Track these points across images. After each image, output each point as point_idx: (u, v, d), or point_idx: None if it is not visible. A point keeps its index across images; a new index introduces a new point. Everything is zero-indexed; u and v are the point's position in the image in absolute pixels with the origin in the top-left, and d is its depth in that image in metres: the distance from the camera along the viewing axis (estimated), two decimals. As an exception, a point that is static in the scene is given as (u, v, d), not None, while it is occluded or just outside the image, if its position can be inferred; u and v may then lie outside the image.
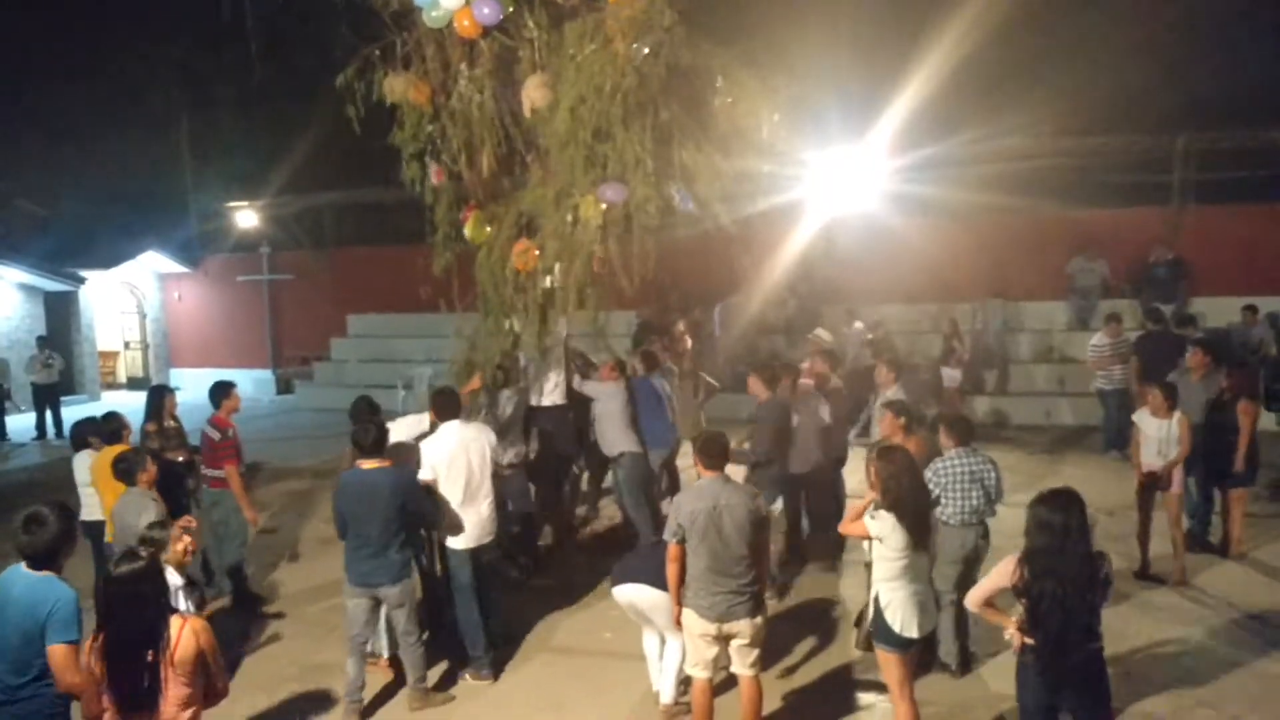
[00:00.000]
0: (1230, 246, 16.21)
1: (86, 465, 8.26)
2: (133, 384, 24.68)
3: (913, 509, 5.65)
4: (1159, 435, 8.68)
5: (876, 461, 5.77)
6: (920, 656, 6.07)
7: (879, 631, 5.73)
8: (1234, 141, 16.83)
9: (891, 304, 17.46)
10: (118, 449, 7.94)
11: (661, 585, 6.10)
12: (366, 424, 6.74)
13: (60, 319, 22.79)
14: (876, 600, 5.73)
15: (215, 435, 8.71)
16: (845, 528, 6.18)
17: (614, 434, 9.63)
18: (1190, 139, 16.80)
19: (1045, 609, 4.75)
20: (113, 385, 24.95)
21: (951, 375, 15.05)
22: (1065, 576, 4.73)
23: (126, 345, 25.71)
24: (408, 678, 6.89)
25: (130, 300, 25.23)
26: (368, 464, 6.60)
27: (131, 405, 11.44)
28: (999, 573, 5.02)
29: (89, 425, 8.64)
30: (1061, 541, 4.75)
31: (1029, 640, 4.87)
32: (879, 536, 5.64)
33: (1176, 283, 16.04)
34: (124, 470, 6.90)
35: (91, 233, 23.67)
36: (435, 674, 7.31)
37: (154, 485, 6.91)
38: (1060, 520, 4.77)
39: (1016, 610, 4.97)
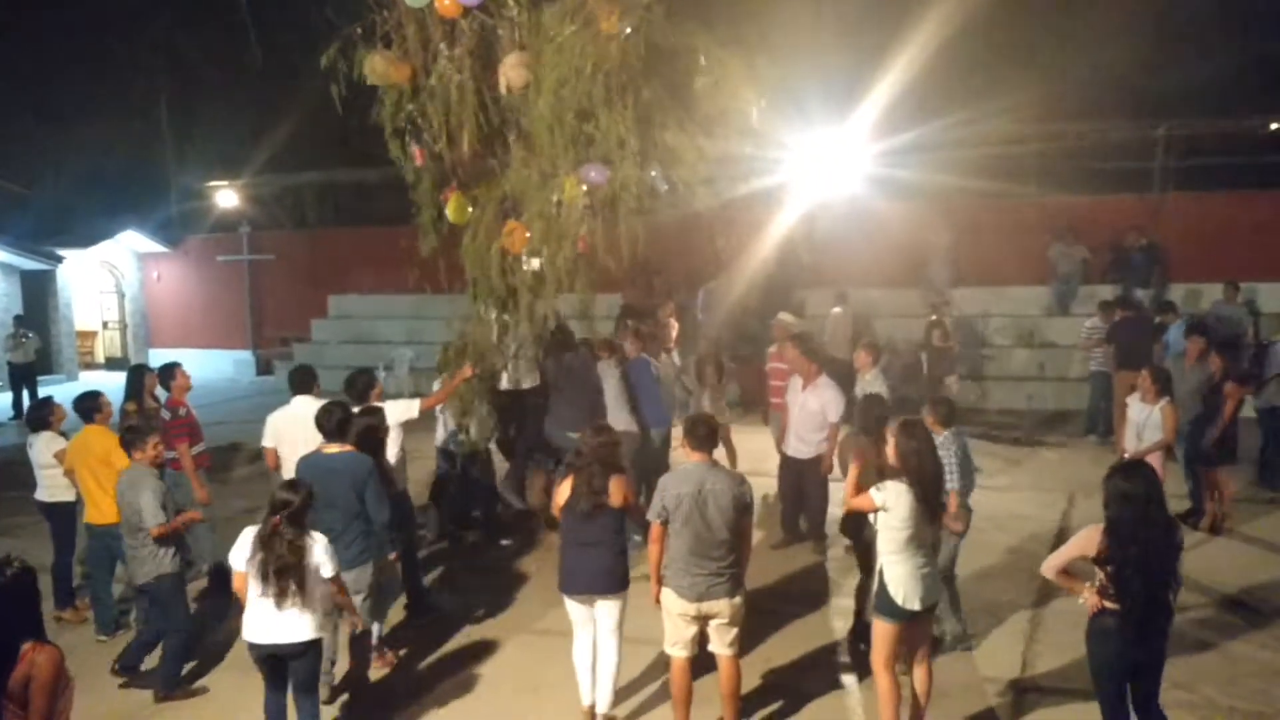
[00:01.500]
0: (1209, 233, 16.28)
1: (44, 447, 8.22)
2: (111, 364, 24.52)
3: (928, 482, 5.70)
4: (1139, 419, 8.75)
5: (897, 434, 5.83)
6: (925, 630, 6.05)
7: (879, 602, 5.78)
8: (1214, 129, 16.92)
9: (874, 288, 17.49)
10: (95, 429, 7.91)
11: (614, 589, 6.12)
12: (330, 407, 6.67)
13: (38, 298, 22.61)
14: (881, 572, 5.77)
15: (166, 415, 8.68)
16: (851, 502, 6.13)
17: (611, 414, 9.66)
18: (1171, 126, 16.86)
19: (1131, 574, 4.98)
20: (91, 365, 24.79)
21: (934, 360, 15.07)
22: (1150, 543, 4.99)
23: (105, 325, 25.53)
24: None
25: (109, 280, 25.03)
26: (330, 448, 6.54)
27: (109, 385, 11.35)
28: (1079, 543, 5.25)
29: (46, 406, 8.62)
30: (1144, 510, 5.01)
31: (1109, 605, 5.09)
32: (884, 506, 5.66)
33: (1151, 268, 16.12)
34: (125, 444, 6.98)
35: (70, 211, 23.47)
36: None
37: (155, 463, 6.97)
38: (1141, 491, 5.04)
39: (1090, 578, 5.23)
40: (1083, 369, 14.72)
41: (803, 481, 9.49)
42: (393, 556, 7.04)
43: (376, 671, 7.07)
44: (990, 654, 7.20)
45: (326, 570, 5.61)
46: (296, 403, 8.05)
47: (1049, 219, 17.18)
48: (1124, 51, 16.85)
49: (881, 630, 5.80)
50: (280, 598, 5.44)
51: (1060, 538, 9.55)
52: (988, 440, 13.66)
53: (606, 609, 6.17)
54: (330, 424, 6.56)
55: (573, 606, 6.26)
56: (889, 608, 5.72)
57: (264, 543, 5.50)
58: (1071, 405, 15.06)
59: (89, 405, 8.09)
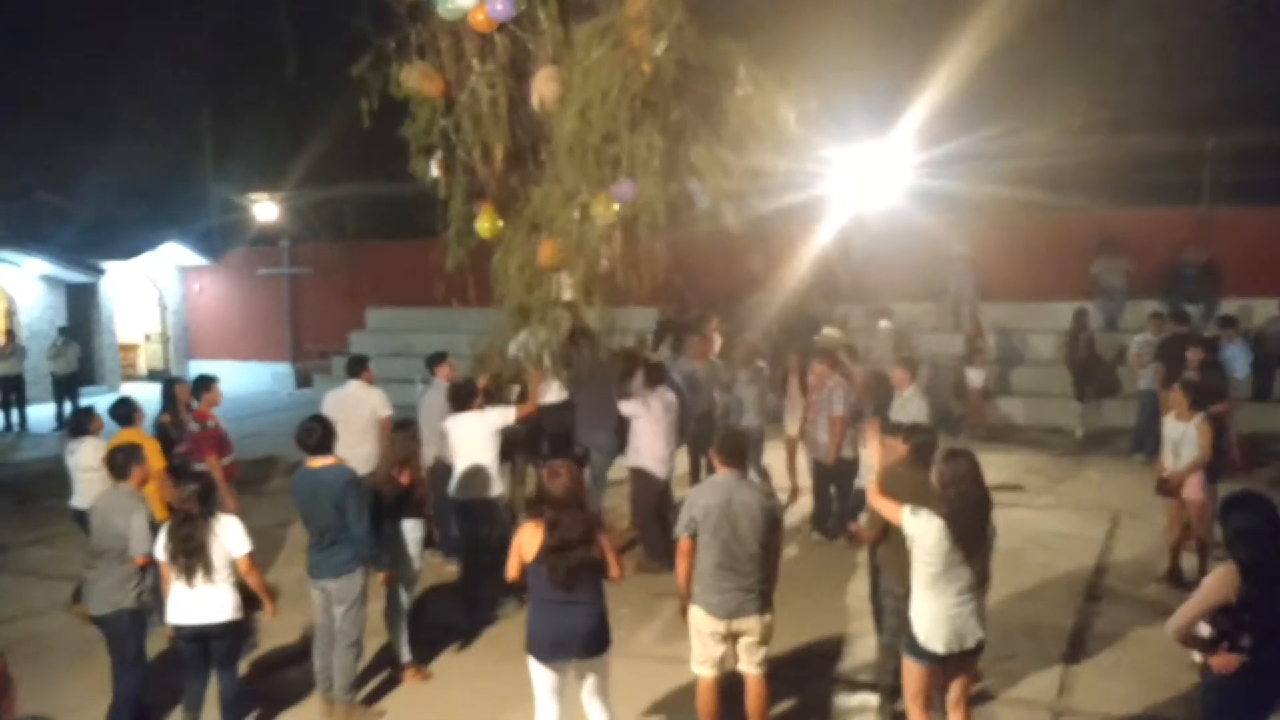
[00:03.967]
0: (1260, 247, 15.91)
1: (82, 452, 8.23)
2: (153, 376, 24.66)
3: (968, 518, 5.21)
4: (1174, 436, 8.48)
5: (941, 464, 5.43)
6: (959, 672, 5.57)
7: (906, 638, 5.47)
8: (1265, 140, 16.56)
9: (916, 302, 17.29)
10: (132, 432, 7.95)
11: (599, 650, 5.50)
12: (310, 425, 6.66)
13: (81, 310, 22.96)
14: (911, 605, 5.41)
15: (194, 427, 8.79)
16: (874, 502, 5.82)
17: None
18: (1220, 137, 16.55)
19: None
20: (133, 377, 25.02)
21: (975, 375, 14.84)
22: None
23: (147, 337, 25.80)
24: (335, 684, 6.64)
25: (151, 292, 25.31)
26: (315, 462, 6.58)
27: (149, 397, 11.44)
28: (1213, 590, 4.63)
29: (87, 414, 8.65)
30: (1277, 544, 4.55)
31: (1243, 659, 4.55)
32: (911, 535, 5.30)
33: (1205, 284, 15.77)
34: (118, 464, 6.55)
35: (112, 224, 23.74)
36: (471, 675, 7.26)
37: (145, 485, 6.74)
38: (1272, 524, 4.56)
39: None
40: (1131, 385, 14.40)
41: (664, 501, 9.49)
42: (381, 577, 6.88)
43: (410, 684, 7.20)
44: (1028, 675, 7.02)
45: (239, 549, 6.10)
46: (348, 385, 9.50)
47: (1095, 232, 16.86)
48: (1173, 61, 16.55)
49: (906, 666, 5.52)
50: (189, 575, 5.94)
51: (1104, 558, 9.35)
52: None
53: (592, 672, 5.56)
54: (311, 441, 6.60)
55: (541, 674, 5.48)
56: (911, 645, 5.39)
57: (174, 529, 6.04)
58: (1118, 423, 14.72)
59: (124, 411, 8.25)
